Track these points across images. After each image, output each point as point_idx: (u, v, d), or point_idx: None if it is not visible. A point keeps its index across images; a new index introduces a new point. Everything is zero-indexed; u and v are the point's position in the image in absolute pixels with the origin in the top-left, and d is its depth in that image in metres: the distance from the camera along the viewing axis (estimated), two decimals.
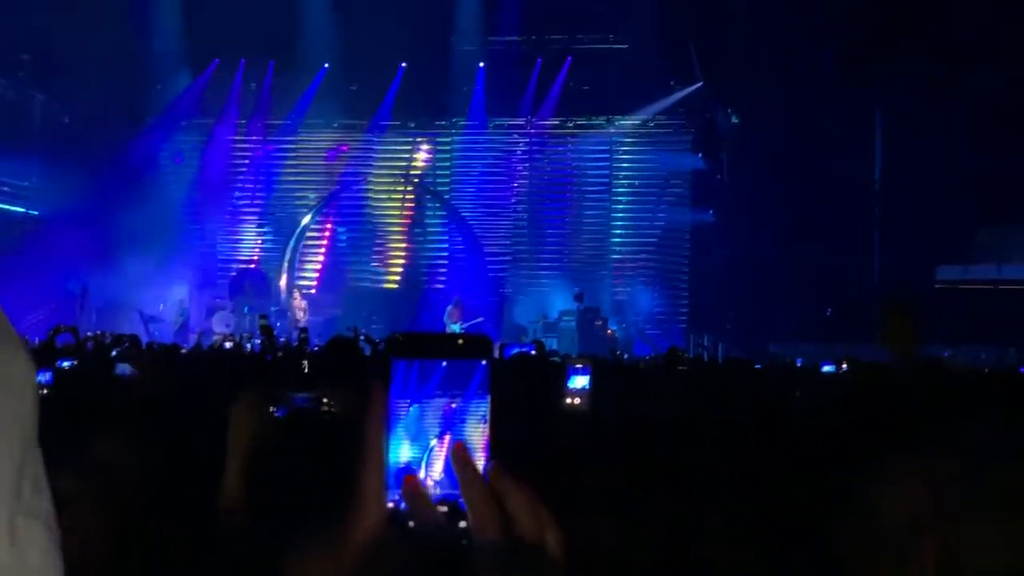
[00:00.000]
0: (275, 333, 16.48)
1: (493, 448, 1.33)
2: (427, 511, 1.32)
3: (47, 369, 6.22)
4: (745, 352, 20.80)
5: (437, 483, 1.33)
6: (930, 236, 24.29)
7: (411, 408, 1.34)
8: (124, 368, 6.99)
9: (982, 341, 22.11)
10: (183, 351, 13.25)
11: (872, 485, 1.71)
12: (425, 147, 28.90)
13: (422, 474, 1.34)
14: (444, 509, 1.31)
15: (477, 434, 1.34)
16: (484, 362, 1.36)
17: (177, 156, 29.09)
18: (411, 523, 1.31)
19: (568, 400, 4.67)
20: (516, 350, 13.71)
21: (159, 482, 2.95)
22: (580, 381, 4.74)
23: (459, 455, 1.31)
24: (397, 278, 28.47)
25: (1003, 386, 7.60)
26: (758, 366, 11.34)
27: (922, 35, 23.52)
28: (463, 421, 1.34)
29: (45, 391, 6.05)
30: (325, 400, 3.21)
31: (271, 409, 3.07)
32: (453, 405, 1.34)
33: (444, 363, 1.34)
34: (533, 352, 13.00)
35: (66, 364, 7.44)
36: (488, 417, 1.34)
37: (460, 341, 1.36)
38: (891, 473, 1.70)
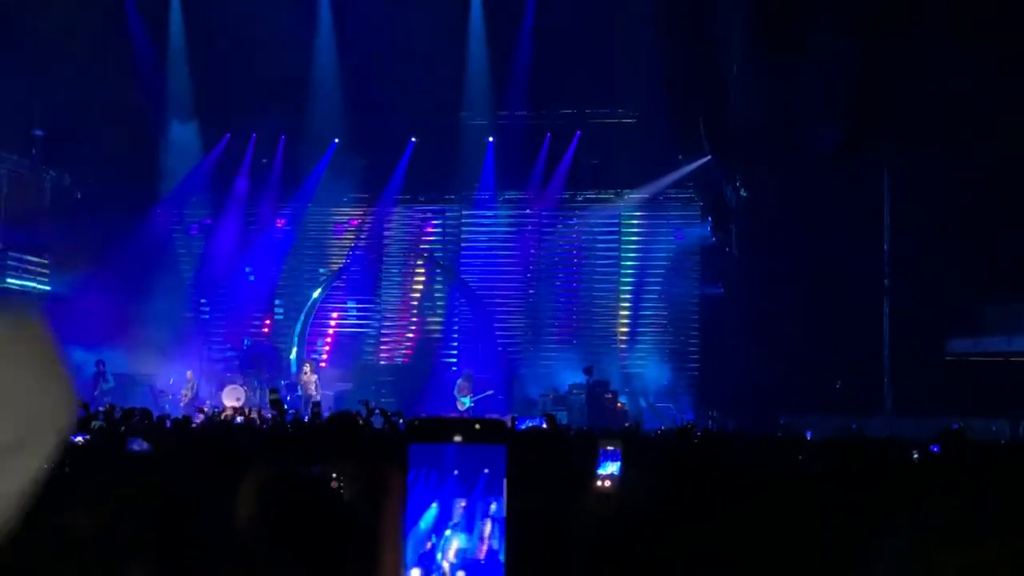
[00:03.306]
0: (285, 407, 16.47)
1: (511, 531, 1.35)
2: None
3: None
4: (755, 425, 20.70)
5: (452, 565, 1.35)
6: (940, 308, 24.23)
7: (428, 491, 1.36)
8: (137, 442, 6.94)
9: (993, 413, 22.01)
10: (193, 425, 13.22)
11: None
12: (434, 221, 29.03)
13: (439, 556, 1.35)
14: None
15: (490, 524, 1.35)
16: (502, 446, 1.37)
17: (192, 229, 29.25)
18: None
19: (598, 483, 4.63)
20: (527, 423, 13.69)
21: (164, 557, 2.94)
22: (611, 467, 4.68)
23: None
24: (407, 352, 28.48)
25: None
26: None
27: (930, 108, 23.63)
28: (480, 505, 1.35)
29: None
30: (335, 475, 3.22)
31: (283, 482, 3.07)
32: (471, 490, 1.36)
33: (462, 448, 1.36)
34: (544, 425, 12.98)
35: (78, 439, 7.43)
36: (506, 501, 1.36)
37: (478, 426, 1.37)
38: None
